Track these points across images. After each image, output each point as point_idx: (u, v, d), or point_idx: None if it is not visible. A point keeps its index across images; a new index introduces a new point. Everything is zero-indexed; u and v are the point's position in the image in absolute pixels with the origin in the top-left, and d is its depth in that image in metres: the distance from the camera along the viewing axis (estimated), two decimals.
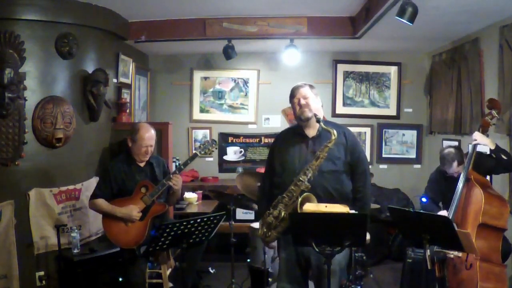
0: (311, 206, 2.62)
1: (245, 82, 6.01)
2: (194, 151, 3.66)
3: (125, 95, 4.95)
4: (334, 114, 5.85)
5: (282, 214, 2.75)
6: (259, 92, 5.99)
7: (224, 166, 6.03)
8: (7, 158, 3.52)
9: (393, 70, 5.89)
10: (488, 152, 3.51)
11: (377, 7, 3.73)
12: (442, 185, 3.80)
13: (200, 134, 6.04)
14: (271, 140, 5.87)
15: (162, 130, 4.59)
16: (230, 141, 6.03)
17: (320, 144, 2.77)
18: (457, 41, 4.90)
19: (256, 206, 3.99)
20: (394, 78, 5.89)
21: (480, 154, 3.52)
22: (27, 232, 3.65)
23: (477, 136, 3.33)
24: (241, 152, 6.01)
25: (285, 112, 5.87)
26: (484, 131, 3.36)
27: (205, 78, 6.04)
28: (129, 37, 4.76)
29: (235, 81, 6.02)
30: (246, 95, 6.01)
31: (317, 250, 2.52)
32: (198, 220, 2.95)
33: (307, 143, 2.87)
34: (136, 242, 3.43)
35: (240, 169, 5.82)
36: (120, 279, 3.71)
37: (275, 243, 3.01)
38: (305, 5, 4.28)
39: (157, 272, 3.67)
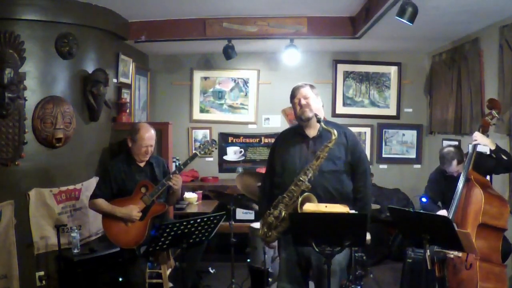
0: (311, 206, 2.62)
1: (245, 82, 6.01)
2: (194, 151, 3.66)
3: (125, 95, 4.95)
4: (334, 114, 5.85)
5: (283, 214, 2.75)
6: (259, 92, 5.99)
7: (224, 166, 6.03)
8: (7, 158, 3.52)
9: (393, 70, 5.89)
10: (488, 152, 3.51)
11: (377, 7, 3.73)
12: (442, 185, 3.80)
13: (200, 134, 6.04)
14: (271, 140, 5.88)
15: (162, 130, 4.59)
16: (230, 141, 6.03)
17: (321, 144, 2.77)
18: (457, 41, 4.90)
19: (256, 206, 4.00)
20: (394, 78, 5.89)
21: (480, 154, 3.53)
22: (27, 232, 3.65)
23: (478, 136, 3.33)
24: (241, 152, 6.01)
25: (285, 112, 5.88)
26: (484, 131, 3.36)
27: (205, 78, 6.04)
28: (129, 37, 4.76)
29: (235, 81, 6.02)
30: (246, 95, 6.01)
31: (317, 250, 2.52)
32: (198, 220, 2.95)
33: (307, 143, 2.87)
34: (136, 242, 3.43)
35: (240, 169, 5.82)
36: (120, 279, 3.71)
37: (275, 243, 3.01)
38: (305, 5, 4.28)
39: (157, 272, 3.67)
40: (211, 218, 3.02)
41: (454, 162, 3.61)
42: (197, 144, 5.85)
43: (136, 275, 3.44)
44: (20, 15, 3.56)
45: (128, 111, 4.87)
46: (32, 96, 3.63)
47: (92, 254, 3.77)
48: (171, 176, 3.50)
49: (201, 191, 5.41)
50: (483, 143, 3.34)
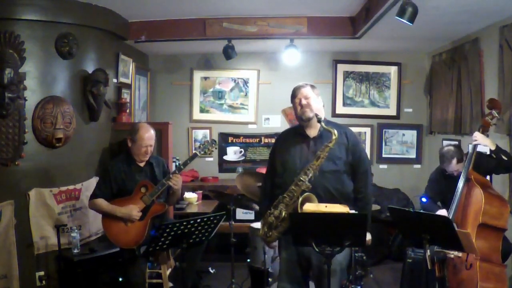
0: (311, 206, 2.62)
1: (245, 82, 6.01)
2: (194, 151, 3.66)
3: (125, 95, 4.95)
4: (334, 114, 5.85)
5: (283, 214, 2.75)
6: (259, 92, 5.98)
7: (224, 166, 6.03)
8: (7, 158, 3.52)
9: (393, 70, 5.89)
10: (488, 153, 3.51)
11: (377, 7, 3.72)
12: (442, 184, 3.80)
13: (200, 134, 6.04)
14: (271, 140, 5.88)
15: (162, 130, 4.59)
16: (230, 141, 6.02)
17: (321, 144, 2.78)
18: (457, 41, 4.90)
19: (256, 206, 4.00)
20: (394, 78, 5.89)
21: (481, 154, 3.53)
22: (27, 232, 3.65)
23: (478, 136, 3.33)
24: (241, 152, 6.01)
25: (285, 112, 5.88)
26: (485, 131, 3.36)
27: (205, 78, 6.04)
28: (129, 37, 4.76)
29: (235, 81, 6.02)
30: (246, 95, 6.01)
31: (317, 250, 2.53)
32: (198, 220, 2.95)
33: (308, 143, 2.88)
34: (136, 242, 3.43)
35: (240, 169, 5.82)
36: (120, 279, 3.71)
37: (276, 243, 3.01)
38: (305, 5, 4.28)
39: (157, 272, 3.67)
40: (211, 218, 3.02)
41: (454, 161, 3.61)
42: (197, 144, 5.86)
43: (136, 275, 3.44)
44: (20, 15, 3.56)
45: (128, 111, 4.87)
46: (32, 96, 3.63)
47: (92, 254, 3.77)
48: (171, 176, 3.50)
49: (201, 191, 5.41)
50: (483, 143, 3.34)
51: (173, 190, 3.57)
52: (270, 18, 4.65)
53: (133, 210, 3.44)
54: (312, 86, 2.94)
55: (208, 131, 6.04)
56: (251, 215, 5.39)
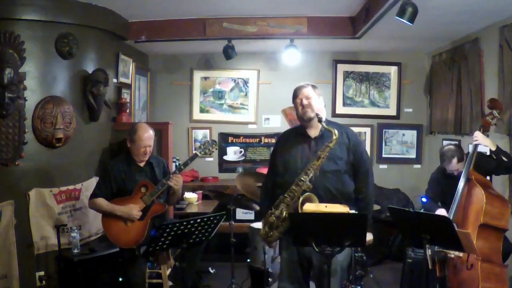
0: (311, 206, 2.62)
1: (245, 82, 6.01)
2: (194, 151, 3.66)
3: (125, 95, 4.95)
4: (334, 114, 5.85)
5: (284, 214, 2.75)
6: (259, 92, 5.98)
7: (224, 166, 6.03)
8: (7, 158, 3.52)
9: (393, 70, 5.89)
10: (488, 153, 3.51)
11: (377, 7, 3.72)
12: (442, 184, 3.80)
13: (200, 134, 6.04)
14: (271, 140, 5.89)
15: (162, 130, 4.59)
16: (230, 141, 6.02)
17: (322, 145, 2.78)
18: (457, 41, 4.90)
19: (256, 206, 4.00)
20: (394, 78, 5.89)
21: (481, 154, 3.53)
22: (27, 232, 3.64)
23: (478, 136, 3.33)
24: (241, 152, 6.01)
25: (285, 112, 5.87)
26: (485, 131, 3.36)
27: (205, 78, 6.04)
28: (129, 37, 4.76)
29: (235, 81, 6.02)
30: (246, 95, 6.01)
31: (317, 250, 2.53)
32: (198, 220, 2.95)
33: (309, 144, 2.88)
34: (136, 242, 3.43)
35: (240, 169, 5.82)
36: (120, 279, 3.71)
37: (276, 242, 3.01)
38: (305, 5, 4.28)
39: (157, 272, 3.67)
40: (211, 218, 3.02)
41: (454, 160, 3.61)
42: (197, 144, 5.86)
43: (136, 275, 3.44)
44: (20, 15, 3.56)
45: (128, 111, 4.87)
46: (32, 96, 3.63)
47: (92, 254, 3.77)
48: (171, 176, 3.50)
49: (201, 191, 5.41)
50: (484, 143, 3.34)
51: (173, 190, 3.57)
52: (270, 18, 4.65)
53: (133, 209, 3.44)
54: (314, 86, 2.94)
55: (208, 131, 6.04)
56: (251, 215, 5.39)
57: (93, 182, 4.00)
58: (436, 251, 3.23)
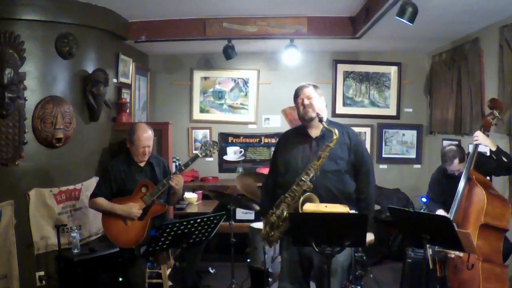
0: (311, 206, 2.62)
1: (245, 82, 6.01)
2: (195, 152, 3.66)
3: (125, 95, 4.95)
4: (334, 114, 5.84)
5: (285, 214, 2.75)
6: (259, 92, 5.98)
7: (224, 166, 6.03)
8: (7, 158, 3.52)
9: (393, 70, 5.89)
10: (488, 153, 3.50)
11: (377, 7, 3.72)
12: (443, 184, 3.80)
13: (200, 134, 6.04)
14: (271, 140, 5.89)
15: (162, 130, 4.59)
16: (230, 141, 6.02)
17: (324, 145, 2.78)
18: (457, 41, 4.90)
19: (256, 206, 4.00)
20: (394, 78, 5.89)
21: (481, 155, 3.53)
22: (27, 232, 3.64)
23: (479, 135, 3.33)
24: (241, 152, 6.01)
25: (285, 112, 5.87)
26: (486, 131, 3.36)
27: (205, 78, 6.04)
28: (129, 37, 4.76)
29: (235, 81, 6.02)
30: (246, 95, 6.01)
31: (317, 250, 2.53)
32: (198, 220, 2.95)
33: (310, 144, 2.88)
34: (136, 241, 3.43)
35: (240, 169, 5.82)
36: (120, 279, 3.71)
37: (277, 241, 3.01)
38: (305, 5, 4.28)
39: (157, 272, 3.67)
40: (211, 218, 3.02)
41: (456, 161, 3.61)
42: (197, 144, 5.87)
43: (136, 275, 3.45)
44: (20, 15, 3.56)
45: (128, 111, 4.87)
46: (32, 96, 3.63)
47: (92, 254, 3.77)
48: (172, 176, 3.50)
49: (201, 191, 5.41)
50: (484, 143, 3.34)
51: (174, 190, 3.57)
52: (270, 18, 4.65)
53: (133, 207, 3.44)
54: (315, 86, 2.95)
55: (208, 131, 6.04)
56: (251, 215, 5.38)
57: (93, 182, 4.00)
58: (437, 251, 3.23)
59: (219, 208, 4.83)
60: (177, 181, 3.50)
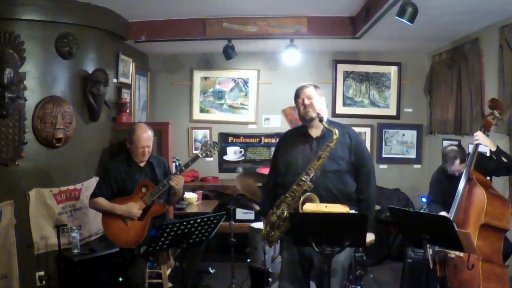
0: (311, 206, 2.62)
1: (245, 82, 6.01)
2: (195, 152, 3.66)
3: (125, 95, 4.95)
4: (334, 114, 5.84)
5: (285, 213, 2.75)
6: (259, 92, 5.98)
7: (224, 166, 6.03)
8: (7, 158, 3.52)
9: (393, 70, 5.89)
10: (488, 154, 3.50)
11: (377, 7, 3.72)
12: (443, 184, 3.80)
13: (200, 134, 6.04)
14: (271, 140, 5.89)
15: (162, 130, 4.59)
16: (230, 141, 6.02)
17: (324, 145, 2.78)
18: (457, 41, 4.90)
19: (256, 206, 4.00)
20: (394, 78, 5.89)
21: (482, 155, 3.52)
22: (27, 232, 3.64)
23: (479, 135, 3.33)
24: (241, 152, 6.01)
25: (285, 112, 5.87)
26: (486, 131, 3.36)
27: (205, 78, 6.04)
28: (129, 37, 4.76)
29: (235, 81, 6.02)
30: (246, 95, 6.01)
31: (317, 250, 2.53)
32: (198, 220, 2.95)
33: (311, 144, 2.88)
34: (136, 242, 3.43)
35: (240, 169, 5.82)
36: (120, 279, 3.71)
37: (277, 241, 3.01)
38: (305, 5, 4.28)
39: (157, 272, 3.67)
40: (211, 218, 3.02)
41: (457, 161, 3.61)
42: (197, 144, 5.87)
43: (136, 275, 3.45)
44: (20, 15, 3.56)
45: (128, 111, 4.87)
46: (32, 96, 3.63)
47: (92, 254, 3.77)
48: (172, 176, 3.50)
49: (201, 191, 5.41)
50: (484, 143, 3.34)
51: (174, 190, 3.57)
52: (270, 18, 4.65)
53: (133, 207, 3.44)
54: (315, 86, 2.95)
55: (208, 131, 6.04)
56: (251, 215, 5.38)
57: (93, 182, 4.00)
58: (437, 251, 3.23)
59: (219, 208, 4.83)
60: (177, 181, 3.50)
